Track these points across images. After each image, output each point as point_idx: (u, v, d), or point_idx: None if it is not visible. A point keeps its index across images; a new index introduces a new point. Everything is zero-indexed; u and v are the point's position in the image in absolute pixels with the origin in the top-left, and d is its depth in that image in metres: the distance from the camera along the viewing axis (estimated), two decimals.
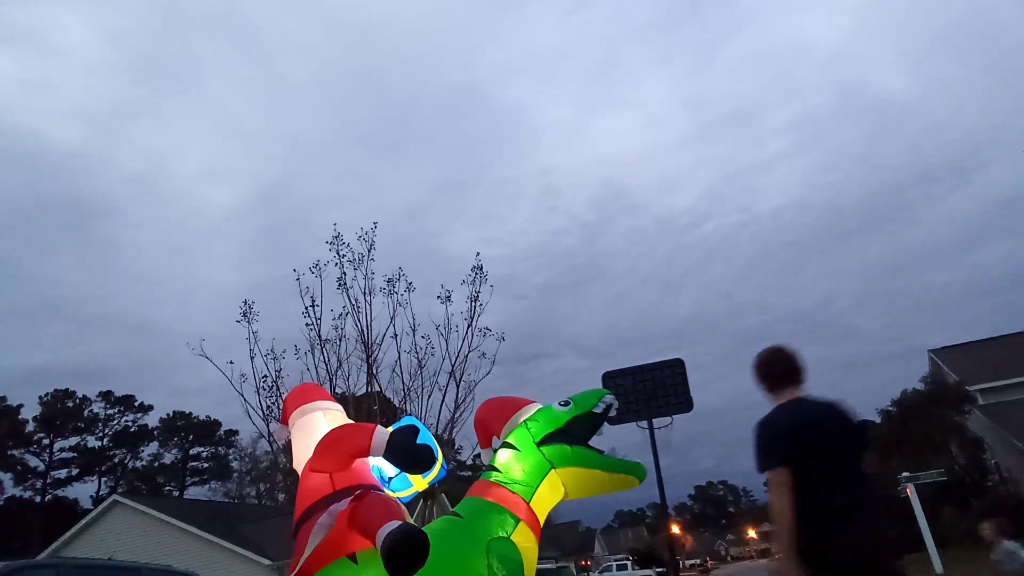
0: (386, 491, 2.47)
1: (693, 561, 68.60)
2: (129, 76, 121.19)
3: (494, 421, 2.78)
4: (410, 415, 2.81)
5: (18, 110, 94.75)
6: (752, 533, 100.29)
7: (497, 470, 2.59)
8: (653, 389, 13.74)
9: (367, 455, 2.30)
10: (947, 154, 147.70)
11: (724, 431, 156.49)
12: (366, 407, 10.79)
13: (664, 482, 13.73)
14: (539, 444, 2.58)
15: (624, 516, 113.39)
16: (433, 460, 2.35)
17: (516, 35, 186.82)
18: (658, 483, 13.70)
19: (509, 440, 2.65)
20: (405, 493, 2.70)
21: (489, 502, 2.46)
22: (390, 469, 2.60)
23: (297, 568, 2.07)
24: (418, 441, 2.29)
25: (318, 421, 2.59)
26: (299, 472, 2.50)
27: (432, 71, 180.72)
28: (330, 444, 2.33)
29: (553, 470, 2.57)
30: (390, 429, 2.38)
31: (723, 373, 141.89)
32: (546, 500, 2.57)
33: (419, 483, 2.73)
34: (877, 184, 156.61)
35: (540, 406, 2.77)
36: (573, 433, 2.61)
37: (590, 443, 2.68)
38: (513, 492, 2.50)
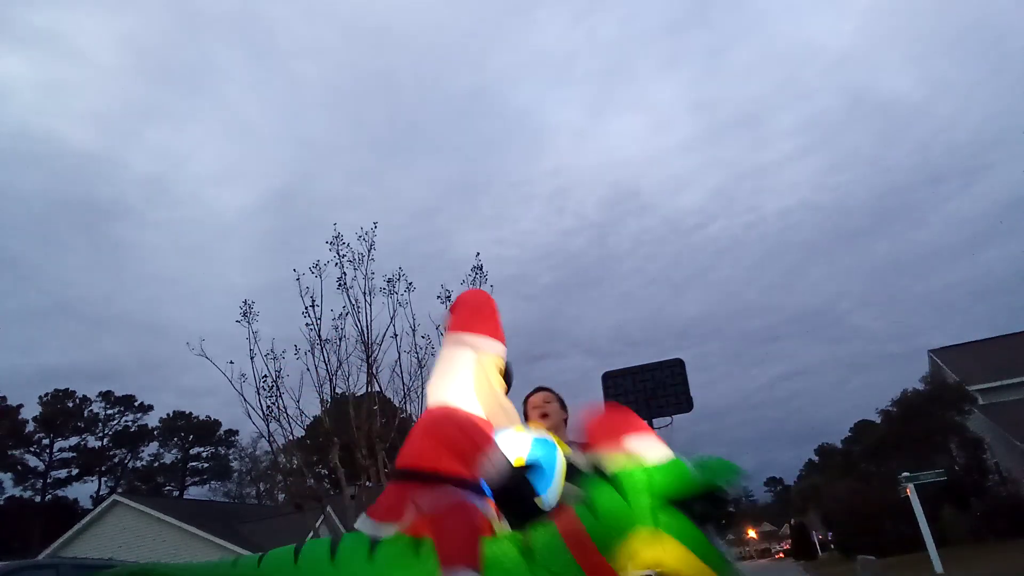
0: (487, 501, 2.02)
1: None
2: (144, 79, 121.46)
3: (604, 440, 2.13)
4: (547, 440, 2.17)
5: (36, 112, 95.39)
6: (752, 533, 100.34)
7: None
8: (653, 389, 13.72)
9: (470, 478, 1.91)
10: (954, 155, 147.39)
11: (728, 431, 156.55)
12: (366, 407, 10.79)
13: None
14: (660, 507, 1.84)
15: None
16: (535, 517, 1.93)
17: (526, 39, 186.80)
18: None
19: (617, 472, 1.96)
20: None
21: (563, 541, 1.82)
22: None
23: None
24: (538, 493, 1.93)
25: (465, 364, 2.16)
26: (429, 398, 2.14)
27: (443, 75, 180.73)
28: (440, 439, 1.96)
29: (655, 531, 1.81)
30: (521, 461, 2.00)
31: (728, 373, 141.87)
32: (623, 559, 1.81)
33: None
34: (884, 185, 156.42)
35: (654, 440, 2.11)
36: (697, 513, 1.86)
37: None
38: (589, 534, 1.81)
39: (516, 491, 1.92)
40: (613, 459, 2.02)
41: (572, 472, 2.17)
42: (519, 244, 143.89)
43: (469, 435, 1.97)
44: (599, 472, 2.00)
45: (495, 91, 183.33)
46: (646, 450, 2.03)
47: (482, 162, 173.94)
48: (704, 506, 1.90)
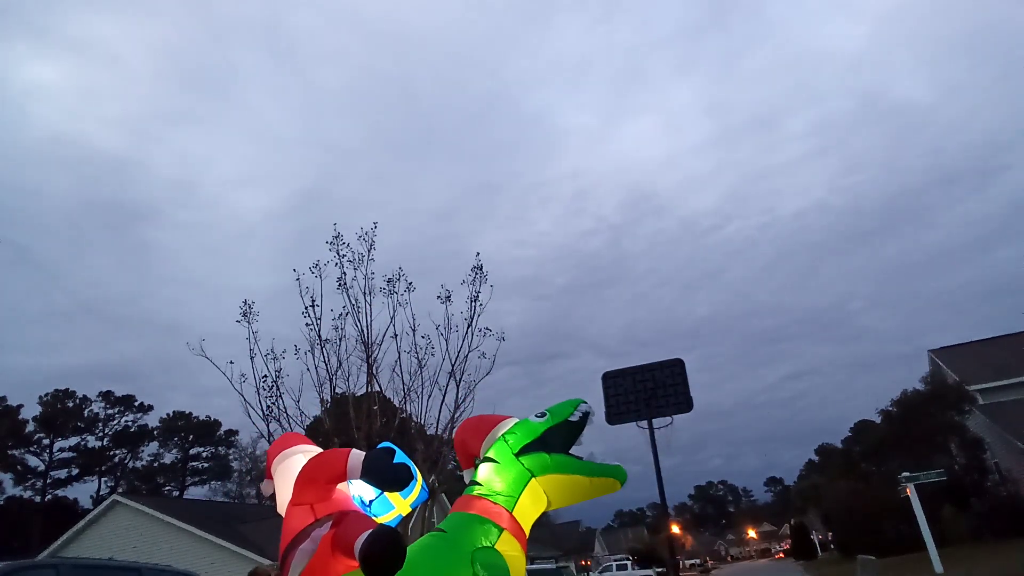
0: (367, 515, 2.48)
1: (693, 561, 68.65)
2: (172, 85, 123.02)
3: (472, 440, 2.80)
4: (388, 441, 2.85)
5: (67, 117, 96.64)
6: (752, 533, 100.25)
7: (479, 484, 2.62)
8: (653, 389, 13.74)
9: (345, 479, 2.32)
10: (966, 157, 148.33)
11: (732, 431, 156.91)
12: (366, 407, 10.78)
13: (665, 482, 13.74)
14: (517, 455, 2.63)
15: (624, 516, 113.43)
16: (411, 476, 2.37)
17: (543, 44, 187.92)
18: (658, 483, 13.70)
19: (488, 454, 2.70)
20: (388, 517, 2.69)
21: (471, 514, 2.49)
22: (369, 493, 2.61)
23: None
24: (395, 460, 2.31)
25: (299, 463, 2.58)
26: (283, 514, 2.51)
27: (461, 80, 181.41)
28: (307, 474, 2.36)
29: (534, 479, 2.61)
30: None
31: (734, 373, 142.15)
32: (529, 509, 2.60)
33: (401, 505, 2.73)
34: (897, 187, 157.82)
35: (517, 420, 2.81)
36: (551, 442, 2.68)
37: (570, 452, 2.73)
38: (495, 503, 2.53)
39: (380, 462, 2.26)
40: (484, 449, 2.72)
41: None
42: (537, 245, 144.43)
43: (322, 461, 2.39)
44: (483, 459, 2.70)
45: (512, 95, 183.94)
46: (501, 430, 2.72)
47: (500, 165, 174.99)
48: (557, 436, 2.67)
